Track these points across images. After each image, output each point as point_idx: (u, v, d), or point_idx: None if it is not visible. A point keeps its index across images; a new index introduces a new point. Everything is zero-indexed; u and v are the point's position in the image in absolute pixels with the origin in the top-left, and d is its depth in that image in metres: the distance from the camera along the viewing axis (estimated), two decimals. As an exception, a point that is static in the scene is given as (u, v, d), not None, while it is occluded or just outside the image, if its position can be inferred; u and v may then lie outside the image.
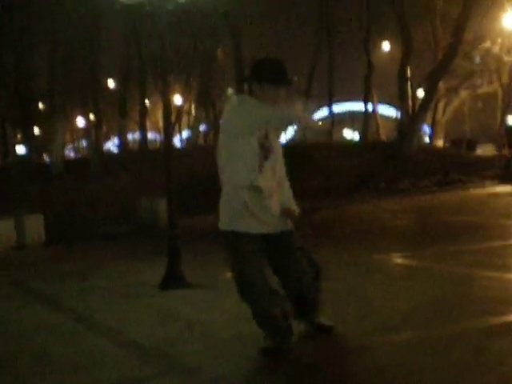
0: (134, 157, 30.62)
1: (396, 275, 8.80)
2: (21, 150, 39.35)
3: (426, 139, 46.51)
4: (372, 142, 37.63)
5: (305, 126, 5.30)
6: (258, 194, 5.40)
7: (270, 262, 5.71)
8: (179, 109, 42.02)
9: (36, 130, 49.95)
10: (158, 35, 9.58)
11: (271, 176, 5.49)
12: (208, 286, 8.28)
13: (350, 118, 62.93)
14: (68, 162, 31.80)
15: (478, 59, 40.12)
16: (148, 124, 43.55)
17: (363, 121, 41.24)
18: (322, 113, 61.16)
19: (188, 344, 5.93)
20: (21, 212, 14.83)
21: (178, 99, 43.00)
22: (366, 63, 39.61)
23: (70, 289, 9.16)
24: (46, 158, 48.31)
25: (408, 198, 20.44)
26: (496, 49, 37.59)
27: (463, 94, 46.02)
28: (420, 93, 39.64)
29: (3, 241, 13.69)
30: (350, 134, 64.13)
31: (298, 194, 18.06)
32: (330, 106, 44.59)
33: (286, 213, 5.67)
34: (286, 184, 5.80)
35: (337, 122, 48.66)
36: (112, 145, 64.57)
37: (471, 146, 39.17)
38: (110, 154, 47.04)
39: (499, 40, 37.24)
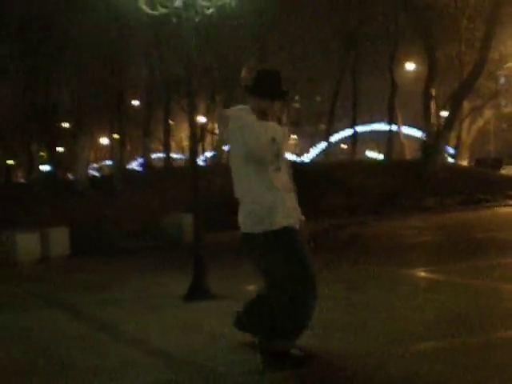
0: (158, 174, 30.68)
1: (421, 288, 8.82)
2: (45, 168, 39.58)
3: (450, 160, 46.31)
4: (396, 160, 37.52)
5: None
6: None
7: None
8: (203, 128, 42.19)
9: (60, 149, 50.43)
10: (184, 53, 9.60)
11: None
12: (233, 299, 8.26)
13: (374, 139, 62.92)
14: (92, 179, 31.89)
15: (502, 79, 40.03)
16: (172, 144, 43.66)
17: (387, 139, 41.13)
18: (346, 133, 61.29)
19: (212, 354, 5.93)
20: (46, 225, 14.92)
21: (201, 118, 43.20)
22: (390, 83, 39.57)
23: (94, 300, 9.16)
24: (70, 176, 48.65)
25: (433, 215, 20.35)
26: (521, 69, 37.58)
27: (488, 113, 45.93)
28: (444, 112, 39.52)
29: (29, 253, 13.75)
30: (374, 155, 64.07)
31: (323, 211, 18.27)
32: (353, 126, 44.61)
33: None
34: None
35: (360, 142, 48.60)
36: (136, 164, 64.88)
37: (496, 164, 38.96)
38: (133, 171, 47.16)
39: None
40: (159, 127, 44.41)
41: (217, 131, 49.61)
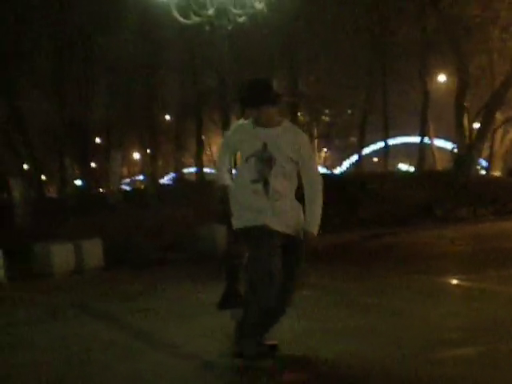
0: (191, 188, 30.79)
1: (456, 296, 8.81)
2: (78, 182, 39.93)
3: (483, 172, 45.97)
4: (428, 171, 37.36)
5: None
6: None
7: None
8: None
9: (93, 164, 50.78)
10: (216, 63, 9.70)
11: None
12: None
13: (406, 152, 62.70)
14: (125, 193, 32.11)
15: (535, 89, 39.63)
16: (204, 159, 43.77)
17: (419, 150, 40.95)
18: (377, 146, 61.13)
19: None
20: (79, 237, 15.00)
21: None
22: (421, 96, 39.45)
23: (128, 309, 9.22)
24: (102, 190, 48.97)
25: (466, 225, 20.26)
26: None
27: (521, 124, 45.53)
28: (477, 124, 39.27)
29: (63, 265, 13.82)
30: (406, 167, 63.84)
31: (356, 222, 18.28)
32: (385, 139, 44.55)
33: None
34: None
35: (392, 155, 48.44)
36: (168, 179, 65.19)
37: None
38: (166, 186, 47.38)
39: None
40: (191, 141, 44.63)
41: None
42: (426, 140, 42.75)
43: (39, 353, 6.79)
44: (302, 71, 40.53)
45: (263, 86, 6.01)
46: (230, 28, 8.75)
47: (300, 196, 5.97)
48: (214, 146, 52.84)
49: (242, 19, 8.88)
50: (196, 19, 8.94)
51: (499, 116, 38.25)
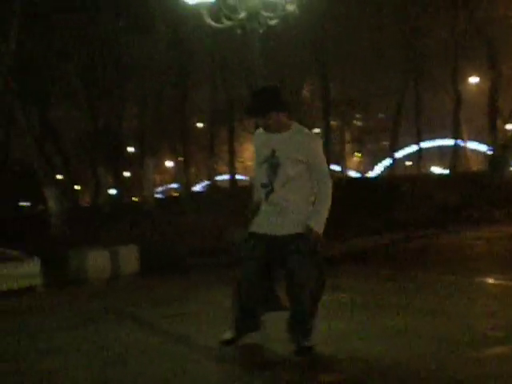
0: (224, 195, 30.83)
1: (492, 295, 8.74)
2: (111, 191, 40.13)
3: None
4: (462, 173, 37.12)
5: None
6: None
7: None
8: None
9: (126, 173, 51.11)
10: (248, 69, 9.73)
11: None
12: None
13: (439, 154, 62.38)
14: (158, 201, 32.26)
15: None
16: (236, 166, 43.84)
17: (452, 152, 40.72)
18: (410, 149, 60.84)
19: (281, 360, 6.03)
20: (115, 244, 15.08)
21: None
22: (453, 98, 39.23)
23: (167, 313, 9.21)
24: (136, 198, 49.21)
25: (502, 227, 20.03)
26: None
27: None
28: (510, 125, 39.00)
29: (99, 271, 13.90)
30: (439, 170, 63.47)
31: (391, 224, 18.17)
32: (418, 142, 44.37)
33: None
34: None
35: (425, 158, 48.19)
36: (201, 187, 65.38)
37: None
38: (199, 193, 47.55)
39: None
40: (223, 148, 44.71)
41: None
42: (459, 142, 42.46)
43: (75, 358, 6.80)
44: (334, 75, 40.45)
45: (268, 93, 6.26)
46: (261, 31, 8.76)
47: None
48: (246, 152, 52.99)
49: (273, 22, 8.89)
50: (227, 23, 8.96)
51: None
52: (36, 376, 6.17)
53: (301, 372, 5.65)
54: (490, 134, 35.04)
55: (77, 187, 49.77)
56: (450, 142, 48.78)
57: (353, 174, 60.56)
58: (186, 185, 32.08)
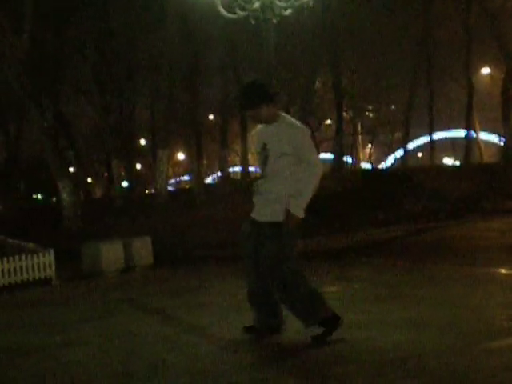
0: (236, 186, 30.76)
1: (507, 286, 8.66)
2: (124, 184, 40.22)
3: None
4: (475, 164, 36.97)
5: None
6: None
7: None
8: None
9: (138, 166, 51.16)
10: (260, 58, 9.71)
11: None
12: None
13: (451, 146, 62.19)
14: (171, 193, 32.29)
15: None
16: (249, 157, 43.79)
17: (466, 145, 40.58)
18: (422, 141, 60.68)
19: (304, 351, 6.03)
20: (128, 235, 15.11)
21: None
22: (466, 89, 39.10)
23: (181, 304, 9.25)
24: (148, 190, 49.27)
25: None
26: None
27: None
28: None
29: (113, 263, 13.92)
30: (451, 162, 63.31)
31: (404, 216, 18.09)
32: (430, 133, 44.24)
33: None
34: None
35: (437, 149, 48.02)
36: (212, 178, 65.41)
37: None
38: (211, 185, 47.57)
39: None
40: (236, 140, 44.67)
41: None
42: (472, 133, 42.33)
43: (93, 350, 6.84)
44: (346, 67, 40.33)
45: (256, 87, 6.51)
46: (275, 21, 8.75)
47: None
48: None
49: (287, 12, 8.87)
50: (241, 13, 8.95)
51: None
52: (55, 368, 6.19)
53: (316, 363, 5.64)
54: (502, 124, 34.85)
55: (89, 180, 49.93)
56: (461, 133, 48.64)
57: (365, 165, 60.43)
58: (199, 177, 32.04)
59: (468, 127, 40.28)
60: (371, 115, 54.69)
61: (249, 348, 6.40)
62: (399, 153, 57.58)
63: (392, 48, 39.33)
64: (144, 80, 37.61)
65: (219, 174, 46.38)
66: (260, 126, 6.60)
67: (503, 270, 10.00)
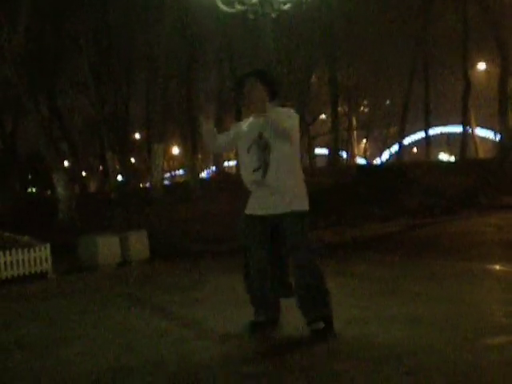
0: (231, 180, 30.78)
1: (508, 283, 8.68)
2: (118, 178, 40.16)
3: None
4: (471, 159, 37.03)
5: None
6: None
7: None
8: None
9: (132, 160, 51.05)
10: (256, 53, 9.68)
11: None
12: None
13: (446, 141, 62.30)
14: (167, 187, 32.23)
15: None
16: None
17: (461, 140, 40.63)
18: (417, 136, 60.77)
19: (301, 346, 6.01)
20: (124, 230, 15.08)
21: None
22: (462, 85, 39.14)
23: (178, 299, 9.25)
24: (143, 185, 49.15)
25: (511, 213, 19.94)
26: None
27: None
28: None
29: (109, 257, 13.89)
30: (446, 157, 63.42)
31: (400, 211, 18.04)
32: (426, 128, 44.28)
33: None
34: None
35: (432, 144, 48.10)
36: (207, 173, 65.37)
37: None
38: (206, 179, 47.54)
39: None
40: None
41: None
42: (467, 129, 42.38)
43: (90, 345, 6.83)
44: (342, 62, 40.35)
45: (255, 72, 6.64)
46: (274, 16, 8.72)
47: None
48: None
49: (286, 6, 8.84)
50: (240, 8, 8.92)
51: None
52: (53, 365, 6.18)
53: (314, 359, 5.63)
54: (499, 120, 34.84)
55: (83, 174, 49.87)
56: (457, 128, 48.70)
57: (360, 160, 60.53)
58: (194, 171, 31.97)
59: (464, 123, 40.30)
60: (366, 110, 54.79)
61: (246, 343, 6.38)
62: (394, 148, 57.69)
63: (389, 43, 39.36)
64: (140, 72, 37.53)
65: (214, 168, 46.43)
66: (249, 119, 6.56)
67: (500, 267, 9.99)
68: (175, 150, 65.66)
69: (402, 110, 43.35)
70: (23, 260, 13.00)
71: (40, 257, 13.22)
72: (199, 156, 44.86)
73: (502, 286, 8.37)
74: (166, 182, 45.82)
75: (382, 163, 55.19)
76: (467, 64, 38.94)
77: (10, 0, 23.73)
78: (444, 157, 65.02)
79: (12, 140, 39.95)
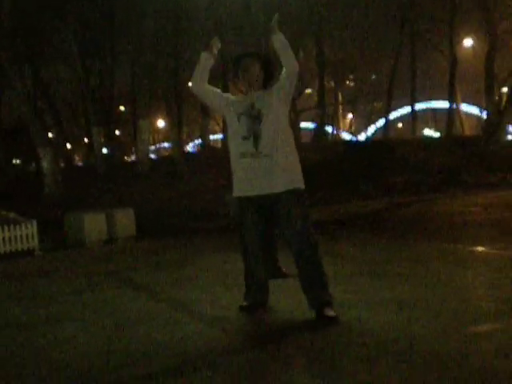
0: (217, 155, 30.73)
1: (493, 266, 8.63)
2: (103, 150, 40.03)
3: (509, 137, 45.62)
4: (457, 137, 37.08)
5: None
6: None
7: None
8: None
9: (117, 132, 50.82)
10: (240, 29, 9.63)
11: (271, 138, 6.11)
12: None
13: (431, 117, 62.39)
14: (153, 162, 32.17)
15: None
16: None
17: (448, 117, 40.65)
18: (403, 111, 60.80)
19: (295, 332, 5.97)
20: (111, 206, 15.11)
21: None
22: (447, 60, 39.12)
23: (166, 278, 9.26)
24: (128, 158, 49.00)
25: (497, 192, 20.02)
26: None
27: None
28: (505, 89, 38.86)
29: (95, 234, 13.93)
30: (431, 133, 63.56)
31: (385, 189, 18.01)
32: (412, 104, 44.29)
33: None
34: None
35: (417, 120, 48.16)
36: (192, 146, 65.22)
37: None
38: (192, 153, 47.43)
39: None
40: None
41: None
42: (453, 105, 42.40)
43: (79, 326, 6.80)
44: (328, 36, 40.24)
45: (245, 54, 6.61)
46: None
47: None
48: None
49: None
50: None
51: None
52: (44, 345, 6.19)
53: (305, 345, 5.62)
54: (485, 97, 34.87)
55: (68, 146, 49.61)
56: (441, 104, 48.71)
57: (345, 135, 60.54)
58: (179, 146, 31.87)
59: (450, 98, 40.28)
60: (352, 84, 54.77)
61: (239, 327, 6.35)
62: (380, 123, 57.73)
63: (376, 17, 39.27)
64: (125, 45, 37.27)
65: (199, 140, 46.29)
66: (230, 94, 6.62)
67: (488, 249, 9.99)
68: (160, 123, 65.42)
69: (388, 84, 43.30)
70: (9, 237, 12.99)
71: (27, 234, 13.22)
72: (184, 129, 44.80)
73: (489, 270, 8.33)
74: (152, 156, 45.76)
75: (367, 138, 55.24)
76: (454, 40, 38.90)
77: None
78: (429, 132, 65.16)
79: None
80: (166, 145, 68.78)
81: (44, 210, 18.10)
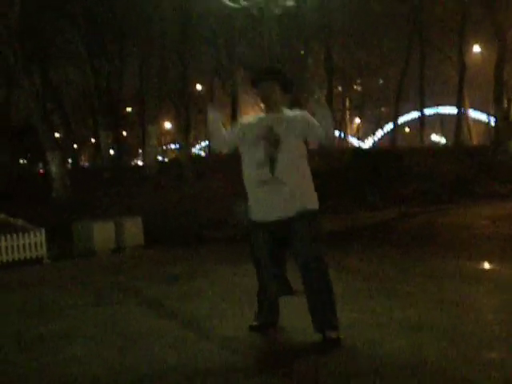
0: (224, 159, 30.61)
1: (507, 286, 8.53)
2: (111, 152, 40.01)
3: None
4: (465, 147, 36.96)
5: None
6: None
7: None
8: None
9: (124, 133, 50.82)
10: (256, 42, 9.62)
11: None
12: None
13: (439, 122, 62.25)
14: (160, 164, 32.13)
15: None
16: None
17: (456, 124, 40.52)
18: (410, 116, 60.68)
19: (306, 355, 5.93)
20: (118, 212, 15.09)
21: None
22: (457, 67, 39.05)
23: (174, 292, 9.21)
24: (135, 161, 49.01)
25: (506, 204, 19.90)
26: None
27: None
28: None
29: (103, 243, 13.89)
30: (438, 139, 63.40)
31: (393, 199, 17.89)
32: (421, 110, 44.22)
33: None
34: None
35: (426, 125, 48.07)
36: (199, 149, 65.18)
37: None
38: (199, 157, 47.41)
39: None
40: (223, 111, 44.32)
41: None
42: (462, 111, 42.32)
43: (89, 343, 6.75)
44: (337, 42, 40.24)
45: (275, 69, 6.75)
46: (278, 12, 8.65)
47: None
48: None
49: (290, 3, 8.77)
50: (244, 3, 8.86)
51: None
52: (51, 362, 6.14)
53: (315, 364, 5.60)
54: (494, 106, 34.73)
55: (75, 146, 49.64)
56: (449, 109, 48.57)
57: (353, 140, 60.50)
58: (186, 149, 31.82)
59: (459, 105, 40.18)
60: (359, 89, 54.72)
61: (251, 348, 6.26)
62: (387, 128, 57.64)
63: (385, 23, 39.21)
64: (134, 46, 37.26)
65: (206, 142, 46.27)
66: (259, 115, 6.49)
67: (501, 267, 9.87)
68: (167, 125, 65.41)
69: (397, 89, 43.23)
70: (18, 246, 12.98)
71: (35, 242, 13.19)
72: (192, 132, 44.77)
73: (500, 289, 8.23)
74: (159, 157, 45.74)
75: (373, 144, 55.12)
76: (463, 47, 38.82)
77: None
78: (436, 138, 65.00)
79: (6, 111, 39.66)
80: (173, 146, 68.77)
81: (51, 214, 18.04)
